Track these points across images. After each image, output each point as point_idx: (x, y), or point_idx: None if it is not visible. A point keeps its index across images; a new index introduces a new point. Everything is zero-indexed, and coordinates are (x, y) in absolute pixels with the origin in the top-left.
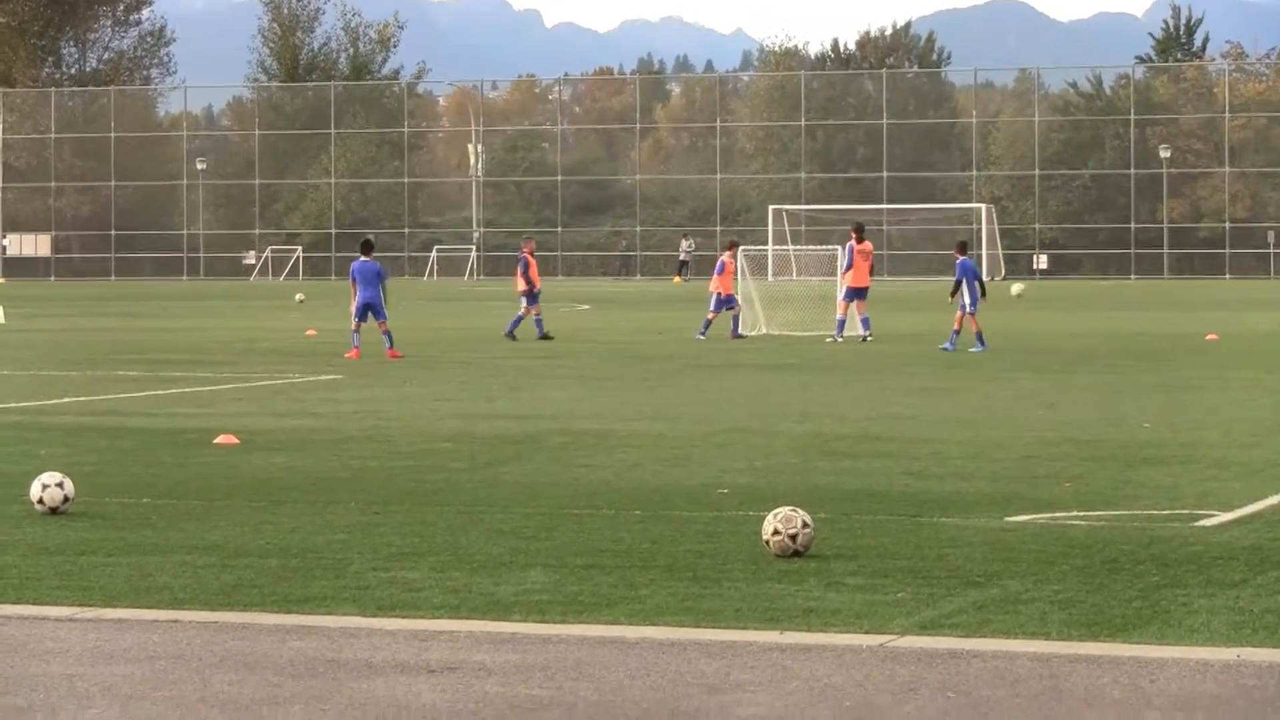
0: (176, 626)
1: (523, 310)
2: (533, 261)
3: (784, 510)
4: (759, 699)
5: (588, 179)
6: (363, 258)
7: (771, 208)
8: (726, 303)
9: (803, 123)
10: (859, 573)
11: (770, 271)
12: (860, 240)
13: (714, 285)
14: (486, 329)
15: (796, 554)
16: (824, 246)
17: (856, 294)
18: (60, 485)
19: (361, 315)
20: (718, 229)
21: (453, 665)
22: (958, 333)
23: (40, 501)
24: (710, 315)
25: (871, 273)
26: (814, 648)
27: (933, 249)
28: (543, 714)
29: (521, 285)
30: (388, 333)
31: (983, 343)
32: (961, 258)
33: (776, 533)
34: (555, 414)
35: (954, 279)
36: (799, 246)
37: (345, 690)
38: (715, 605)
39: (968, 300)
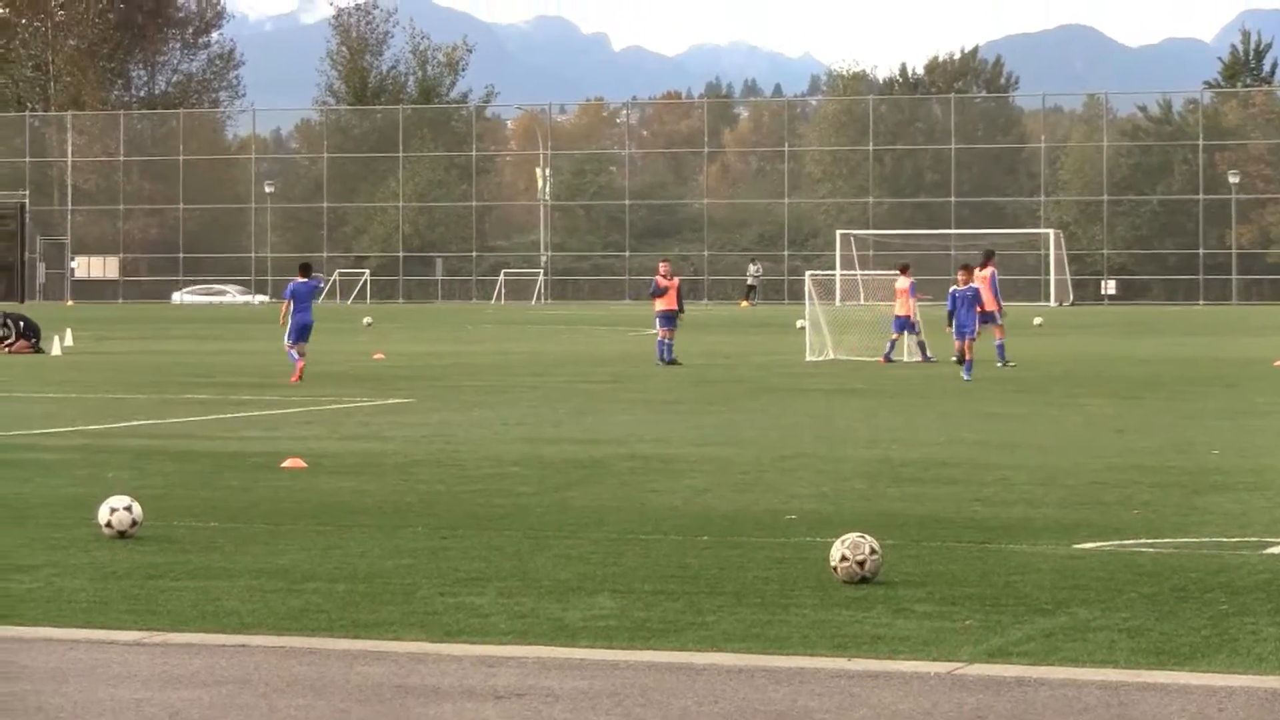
0: (244, 651)
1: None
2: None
3: (852, 536)
4: None
5: (655, 203)
6: (299, 279)
7: (839, 232)
8: (906, 325)
9: (871, 147)
10: (927, 600)
11: (838, 296)
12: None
13: (898, 309)
14: (553, 353)
15: (864, 580)
16: (892, 272)
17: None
18: (128, 509)
19: (298, 336)
20: (785, 253)
21: (520, 691)
22: (970, 362)
23: (108, 525)
24: (894, 336)
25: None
26: (881, 675)
27: (1001, 274)
28: None
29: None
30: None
31: (969, 372)
32: (964, 287)
33: (844, 559)
34: (622, 438)
35: (948, 309)
36: (867, 271)
37: (413, 716)
38: (783, 632)
39: (969, 324)
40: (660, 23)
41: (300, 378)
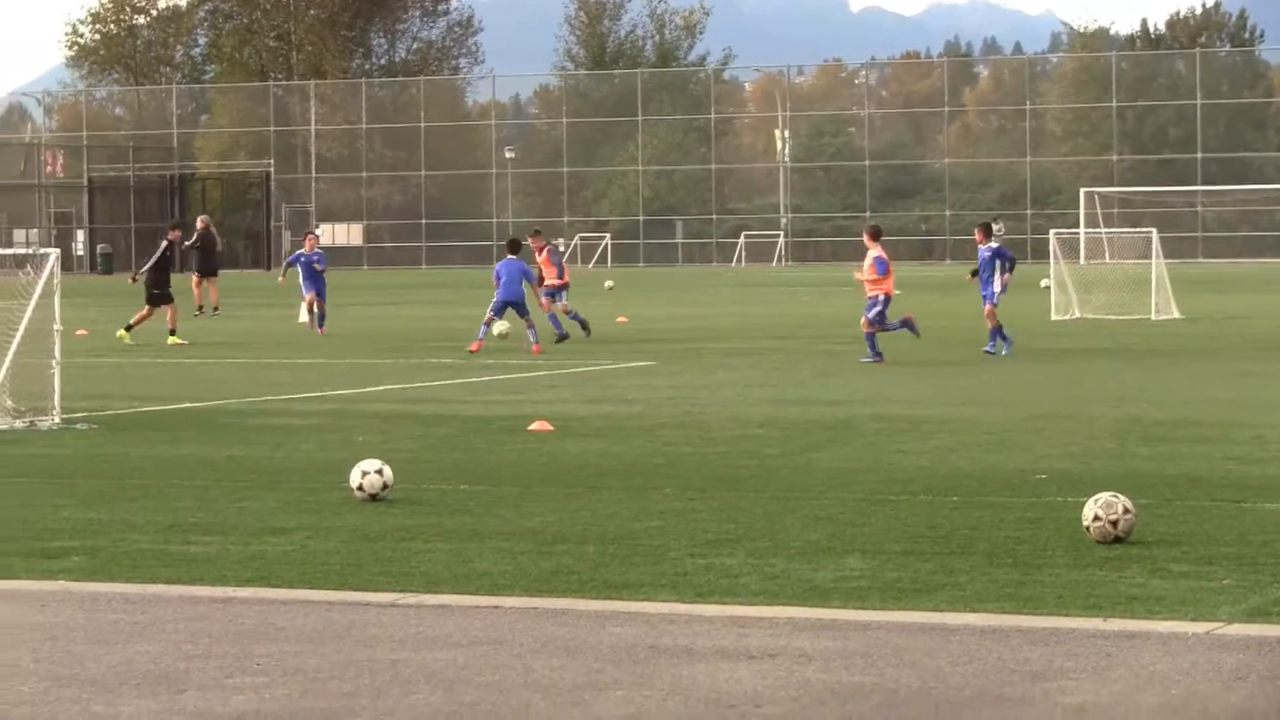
0: (497, 612)
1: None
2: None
3: (1105, 496)
4: (1083, 686)
5: (896, 163)
6: (509, 256)
7: (1083, 190)
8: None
9: (1113, 104)
10: (1182, 559)
11: (1082, 255)
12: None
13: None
14: (795, 315)
15: (1118, 540)
16: (1137, 229)
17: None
18: (379, 472)
19: (499, 311)
20: (1028, 212)
21: (773, 651)
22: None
23: (360, 488)
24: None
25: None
26: (1138, 635)
27: (1248, 230)
28: (865, 700)
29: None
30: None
31: (1005, 338)
32: (990, 243)
33: (1097, 518)
34: (867, 399)
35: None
36: (1111, 229)
37: (666, 676)
38: (1036, 592)
39: (997, 288)
40: None
41: (477, 349)
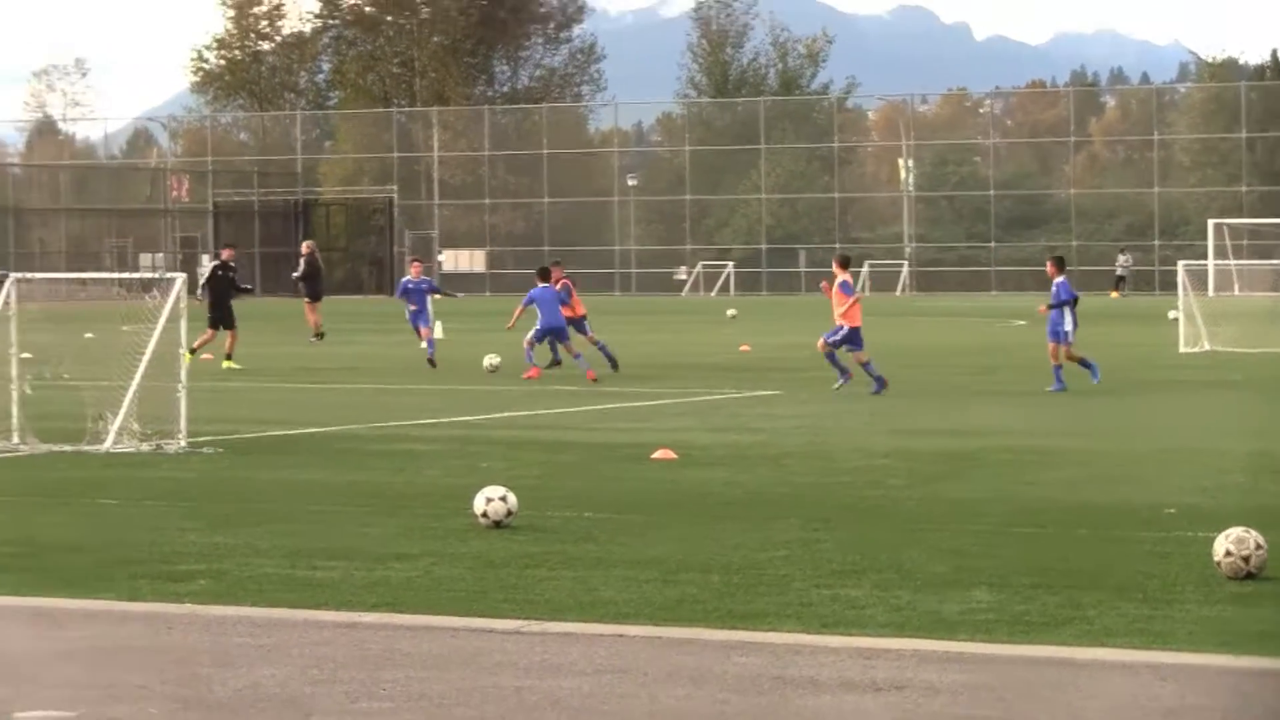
0: (621, 641)
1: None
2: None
3: (1236, 531)
4: None
5: (1021, 193)
6: (541, 284)
7: (1211, 222)
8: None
9: (1243, 135)
10: None
11: (1211, 287)
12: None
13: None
14: (920, 344)
15: (1249, 576)
16: (1268, 261)
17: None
18: (503, 499)
19: (540, 338)
20: (1155, 243)
21: (899, 684)
22: (1059, 367)
23: (484, 515)
24: None
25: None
26: (1272, 673)
27: None
28: None
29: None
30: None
31: (1060, 381)
32: (1061, 277)
33: (1229, 554)
34: (993, 430)
35: (1057, 300)
36: (1240, 261)
37: (792, 707)
38: (1166, 627)
39: (1069, 327)
40: (1024, 11)
41: (536, 375)
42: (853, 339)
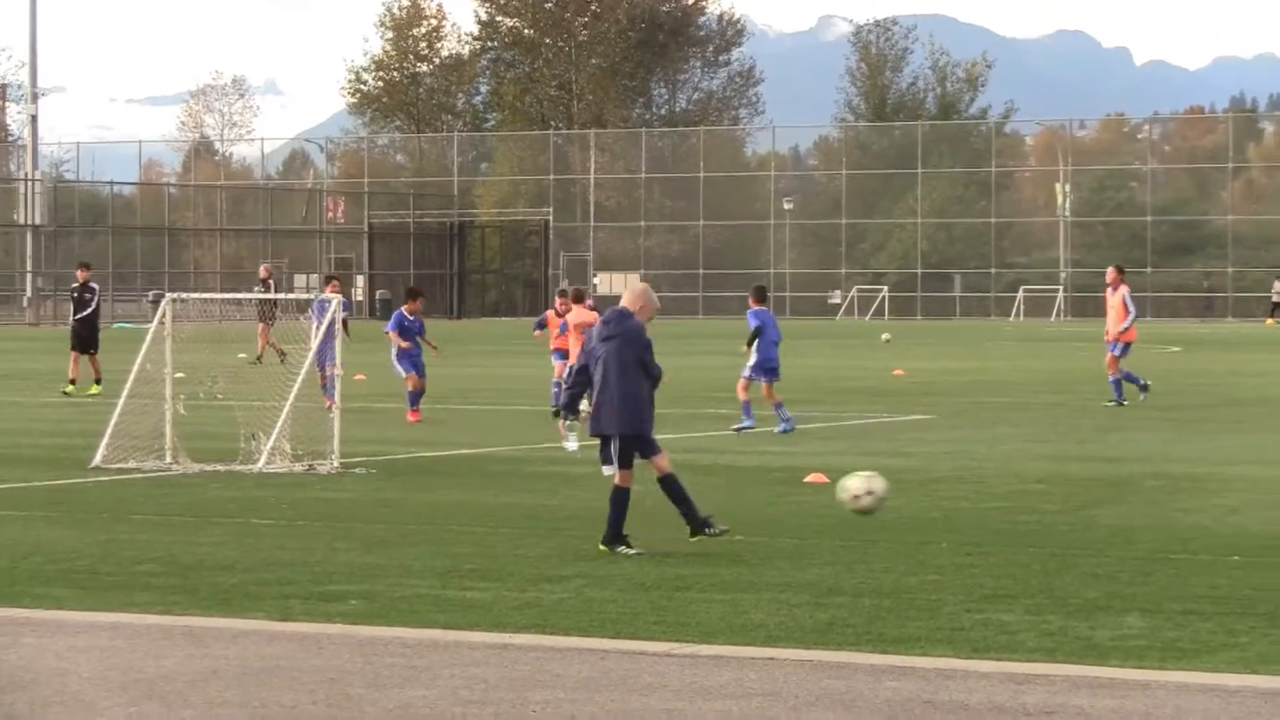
0: (772, 664)
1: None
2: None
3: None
4: None
5: (1178, 219)
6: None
7: None
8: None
9: None
10: None
11: None
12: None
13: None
14: (1075, 370)
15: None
16: None
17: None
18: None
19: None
20: None
21: (1050, 709)
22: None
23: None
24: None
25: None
26: None
27: None
28: None
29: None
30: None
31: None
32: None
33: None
34: (1147, 456)
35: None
36: None
37: None
38: None
39: (752, 361)
40: (1184, 36)
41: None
42: None
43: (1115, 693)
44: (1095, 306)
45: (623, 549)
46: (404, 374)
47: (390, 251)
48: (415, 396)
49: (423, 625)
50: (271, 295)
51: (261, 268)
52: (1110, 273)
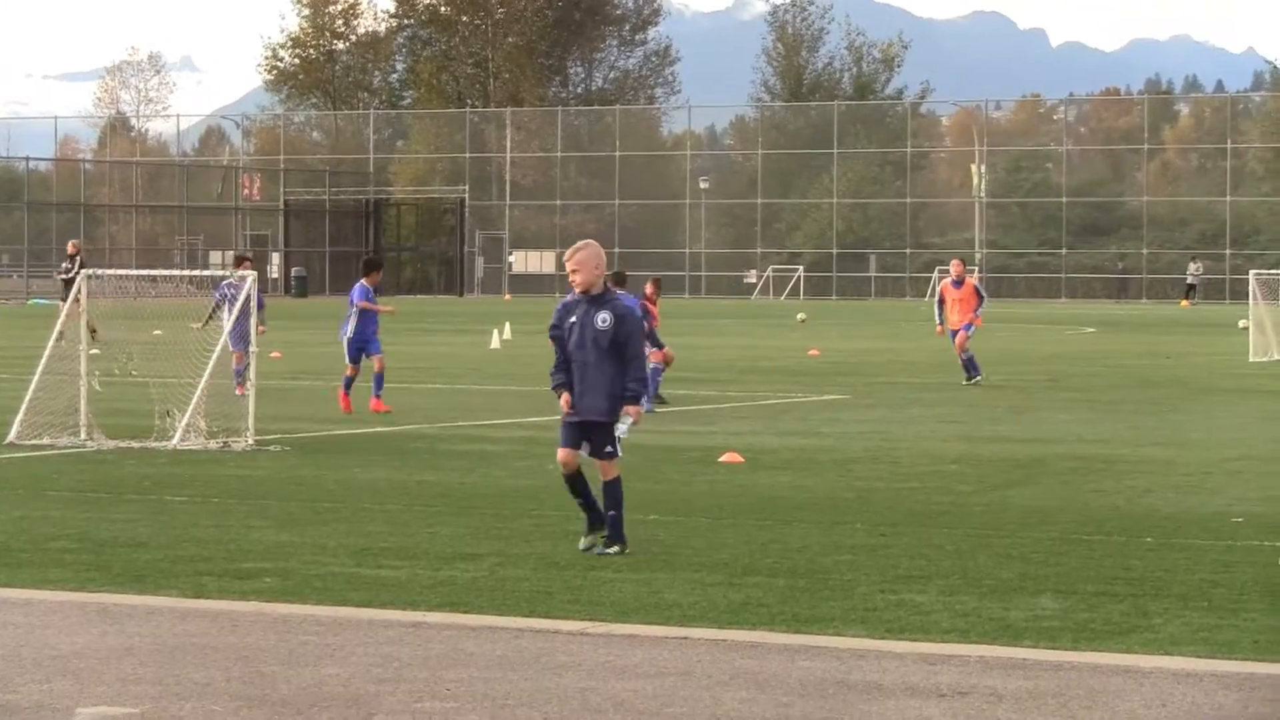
0: (686, 644)
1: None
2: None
3: None
4: None
5: (1093, 200)
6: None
7: None
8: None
9: None
10: None
11: None
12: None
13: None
14: (990, 350)
15: None
16: None
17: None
18: None
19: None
20: (1227, 252)
21: (963, 690)
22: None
23: None
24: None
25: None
26: None
27: None
28: None
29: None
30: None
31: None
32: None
33: None
34: (1061, 438)
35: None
36: None
37: (855, 711)
38: (1231, 636)
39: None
40: (1100, 18)
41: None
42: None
43: (1029, 673)
44: (1010, 287)
45: (616, 549)
46: (373, 355)
47: (306, 229)
48: (379, 380)
49: (337, 603)
50: (73, 274)
51: (70, 244)
52: (956, 266)
